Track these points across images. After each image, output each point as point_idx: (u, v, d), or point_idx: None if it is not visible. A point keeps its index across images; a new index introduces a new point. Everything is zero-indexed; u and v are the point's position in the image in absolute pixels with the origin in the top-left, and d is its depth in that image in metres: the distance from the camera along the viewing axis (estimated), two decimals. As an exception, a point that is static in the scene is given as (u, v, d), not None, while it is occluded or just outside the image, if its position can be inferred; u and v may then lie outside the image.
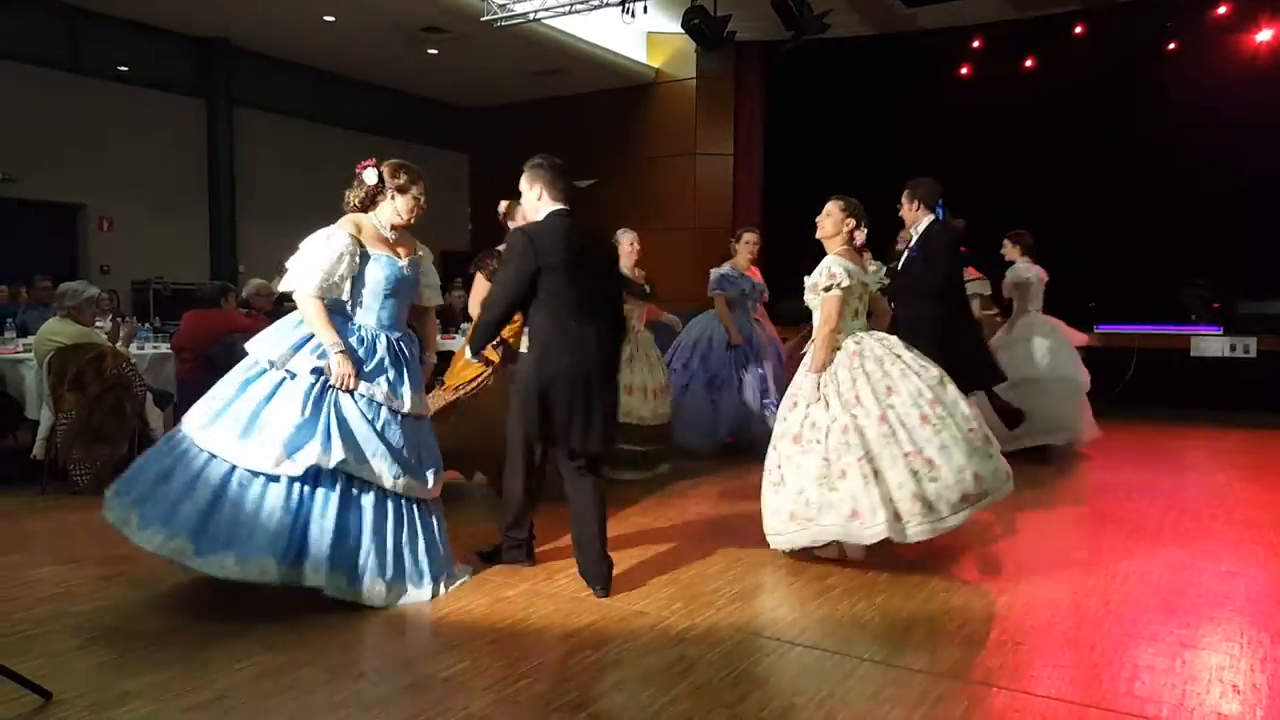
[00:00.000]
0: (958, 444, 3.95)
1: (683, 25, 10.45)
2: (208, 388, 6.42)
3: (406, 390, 3.76)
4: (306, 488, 3.51)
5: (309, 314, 3.69)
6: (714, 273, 6.94)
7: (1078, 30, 11.07)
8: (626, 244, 6.08)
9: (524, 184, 3.80)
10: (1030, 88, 11.35)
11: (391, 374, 3.73)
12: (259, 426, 3.51)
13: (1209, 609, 3.65)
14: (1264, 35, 10.37)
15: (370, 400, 3.67)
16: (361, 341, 3.73)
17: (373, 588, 3.56)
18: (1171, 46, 10.76)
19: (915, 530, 3.88)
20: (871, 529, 3.87)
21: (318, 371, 3.60)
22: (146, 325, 7.73)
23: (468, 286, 5.54)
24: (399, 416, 3.73)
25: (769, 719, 2.70)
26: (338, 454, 3.49)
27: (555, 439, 3.75)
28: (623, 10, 9.57)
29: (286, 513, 3.46)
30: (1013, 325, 7.10)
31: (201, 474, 3.48)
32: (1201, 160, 10.05)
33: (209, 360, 6.31)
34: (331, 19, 10.70)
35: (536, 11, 10.20)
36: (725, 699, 2.83)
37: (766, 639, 3.31)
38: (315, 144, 13.04)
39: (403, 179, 3.81)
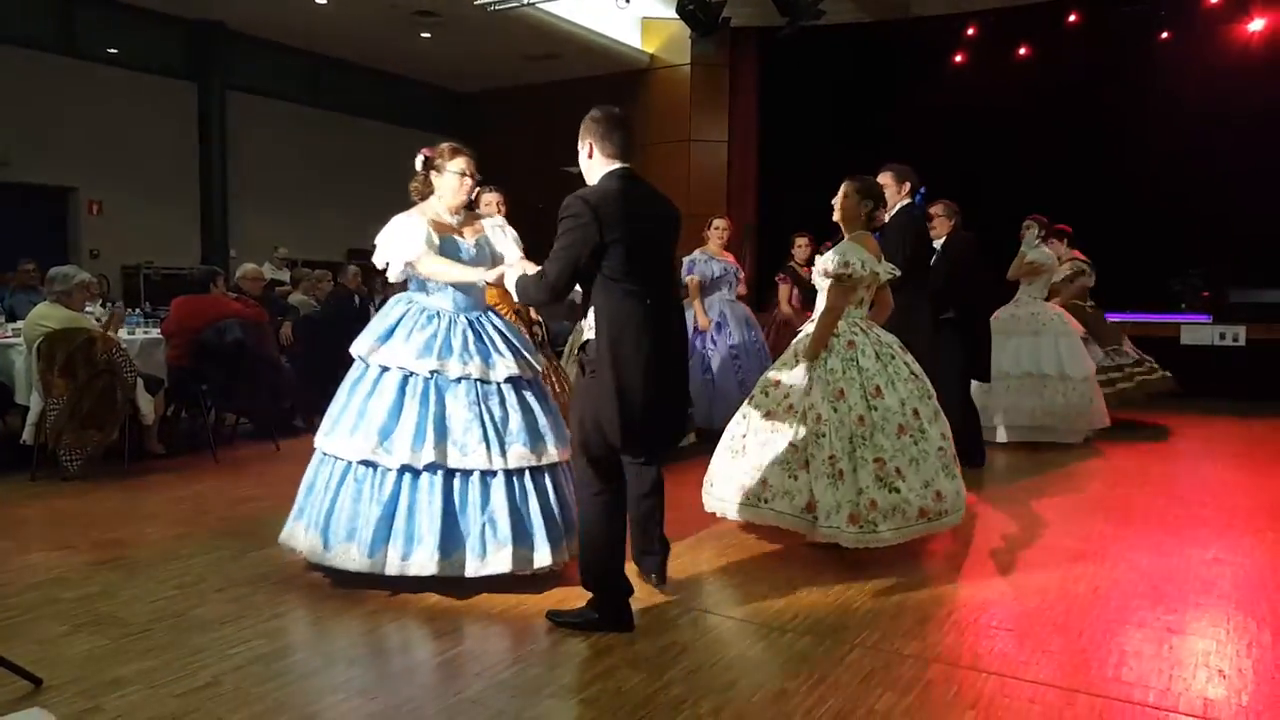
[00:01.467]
0: (927, 459, 3.94)
1: (677, 11, 10.39)
2: (198, 373, 6.46)
3: (498, 358, 3.74)
4: (412, 476, 3.58)
5: (435, 270, 3.71)
6: (685, 259, 7.11)
7: (1071, 19, 11.06)
8: None
9: (579, 142, 3.36)
10: (1024, 76, 11.35)
11: (476, 348, 3.73)
12: (365, 420, 3.64)
13: (1196, 595, 3.67)
14: (1256, 25, 10.39)
15: (468, 379, 3.68)
16: (438, 324, 3.74)
17: (491, 559, 3.56)
18: (1164, 36, 10.77)
19: (864, 537, 3.81)
20: (824, 528, 3.84)
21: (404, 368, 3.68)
22: (137, 310, 7.69)
23: None
24: (498, 386, 3.72)
25: (761, 703, 2.71)
26: (428, 455, 3.55)
27: (634, 442, 3.21)
28: (617, -5, 9.52)
29: (395, 501, 3.56)
30: (1014, 314, 7.13)
31: (330, 476, 3.71)
32: (1192, 149, 10.08)
33: (199, 345, 6.30)
34: (324, 2, 10.63)
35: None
36: (717, 684, 2.84)
37: (758, 624, 3.33)
38: (308, 128, 12.98)
39: (437, 160, 3.84)
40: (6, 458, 5.81)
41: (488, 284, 3.75)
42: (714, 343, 6.90)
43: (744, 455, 4.12)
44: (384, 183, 14.00)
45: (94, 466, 5.60)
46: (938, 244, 6.00)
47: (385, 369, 3.70)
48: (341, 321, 8.54)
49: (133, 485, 5.51)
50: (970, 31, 11.70)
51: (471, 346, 3.72)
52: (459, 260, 3.77)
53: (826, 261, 4.12)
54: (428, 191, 3.90)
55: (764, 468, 4.03)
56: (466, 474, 3.61)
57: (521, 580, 3.63)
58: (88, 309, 6.10)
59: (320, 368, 8.06)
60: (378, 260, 3.83)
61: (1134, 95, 10.68)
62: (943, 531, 4.09)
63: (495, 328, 3.86)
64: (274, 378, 6.84)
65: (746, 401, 4.30)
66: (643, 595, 3.60)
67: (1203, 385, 9.32)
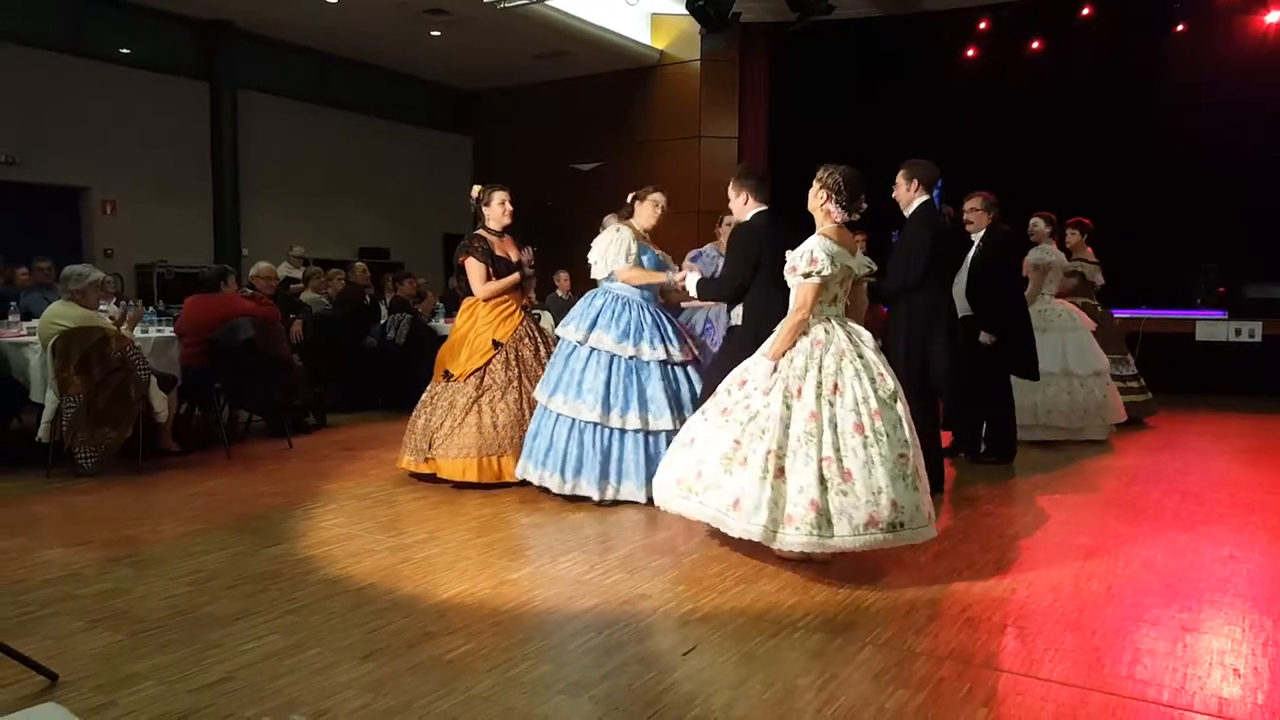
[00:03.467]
0: (884, 464, 3.62)
1: (687, 7, 10.42)
2: (211, 371, 6.50)
3: (673, 345, 5.00)
4: (620, 433, 4.88)
5: (632, 277, 5.05)
6: (692, 252, 7.05)
7: (1085, 12, 11.00)
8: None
9: (732, 190, 4.65)
10: (1037, 70, 11.30)
11: (660, 334, 4.98)
12: (584, 390, 4.87)
13: (1211, 593, 3.65)
14: (1272, 17, 10.30)
15: (656, 362, 4.91)
16: (630, 313, 4.98)
17: None
18: (1179, 28, 10.69)
19: (793, 539, 3.58)
20: (746, 525, 3.62)
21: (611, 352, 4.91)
22: (150, 309, 7.73)
23: (453, 273, 5.73)
24: (673, 366, 4.99)
25: (772, 700, 2.71)
26: (633, 422, 4.84)
27: None
28: (627, -8, 9.52)
29: (609, 450, 4.86)
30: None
31: (555, 427, 4.94)
32: (1208, 143, 10.00)
33: (212, 343, 6.32)
34: (334, 0, 10.65)
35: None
36: (728, 680, 2.84)
37: (769, 621, 3.32)
38: (318, 126, 13.01)
39: (642, 193, 5.21)
40: (22, 455, 5.85)
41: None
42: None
43: (691, 448, 3.94)
44: (394, 181, 14.20)
45: (108, 464, 5.64)
46: (976, 238, 5.98)
47: (595, 350, 4.91)
48: (353, 319, 8.59)
49: (147, 482, 5.54)
50: (982, 25, 11.65)
51: (657, 333, 4.98)
52: (651, 261, 5.13)
53: (794, 259, 3.93)
54: (629, 215, 5.20)
55: (704, 461, 3.85)
56: (658, 433, 4.86)
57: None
58: (102, 307, 6.14)
59: (332, 365, 8.12)
60: (591, 258, 5.15)
61: (1148, 88, 10.62)
62: (903, 545, 3.72)
63: (666, 318, 5.14)
64: (286, 376, 6.87)
65: (711, 399, 4.11)
66: (654, 594, 3.61)
67: (1218, 382, 9.27)
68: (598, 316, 5.00)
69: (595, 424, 4.86)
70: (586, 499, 4.91)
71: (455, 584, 3.70)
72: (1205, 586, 3.73)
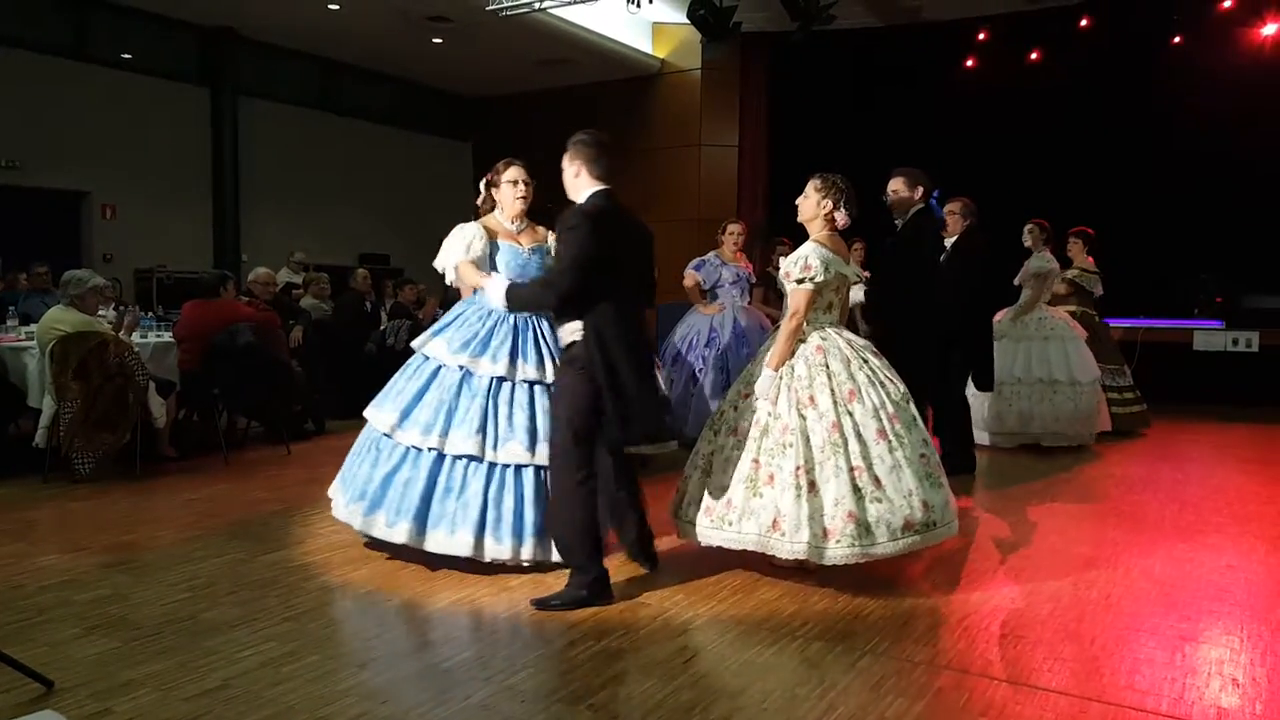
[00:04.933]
0: (910, 466, 3.67)
1: (688, 16, 10.42)
2: (210, 377, 6.49)
3: (531, 361, 4.03)
4: (415, 453, 3.94)
5: (463, 276, 4.15)
6: (695, 260, 7.14)
7: (1083, 23, 11.03)
8: None
9: (565, 160, 3.66)
10: (1035, 80, 11.31)
11: (510, 347, 4.02)
12: (397, 397, 4.07)
13: (1209, 603, 3.65)
14: (1269, 29, 10.32)
15: (493, 378, 3.96)
16: (482, 324, 4.08)
17: (456, 539, 3.83)
18: (1177, 40, 10.72)
19: (839, 552, 3.55)
20: (791, 545, 3.57)
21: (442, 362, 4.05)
22: (149, 314, 7.73)
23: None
24: (527, 385, 4.00)
25: (771, 709, 2.70)
26: (432, 441, 3.89)
27: (617, 433, 3.55)
28: (628, 0, 9.53)
29: (395, 473, 3.95)
30: (1022, 319, 7.10)
31: (363, 441, 4.21)
32: (1206, 154, 10.03)
33: (211, 349, 6.32)
34: (336, 7, 10.67)
35: (541, 0, 10.17)
36: (727, 689, 2.84)
37: (768, 630, 3.32)
38: (320, 133, 13.03)
39: (494, 177, 4.28)
40: (19, 460, 5.83)
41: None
42: (728, 352, 6.83)
43: (709, 476, 3.86)
44: (395, 187, 14.23)
45: (106, 469, 5.63)
46: (948, 243, 5.98)
47: (427, 358, 4.11)
48: (353, 325, 8.59)
49: (144, 488, 5.53)
50: (981, 36, 11.68)
51: (507, 346, 4.02)
52: (513, 262, 4.14)
53: (788, 264, 3.93)
54: (490, 208, 4.30)
55: (728, 487, 3.76)
56: (457, 458, 3.89)
57: (477, 567, 3.89)
58: (100, 313, 6.13)
59: (331, 371, 8.11)
60: (437, 264, 4.26)
61: (1146, 99, 10.63)
62: (934, 545, 3.82)
63: (535, 329, 4.11)
64: (285, 381, 6.87)
65: (714, 417, 4.06)
66: (653, 602, 3.61)
67: (1216, 391, 9.27)
68: (448, 324, 4.17)
69: (386, 436, 4.03)
70: (386, 543, 4.00)
71: (453, 591, 3.69)
72: (1204, 596, 3.73)
